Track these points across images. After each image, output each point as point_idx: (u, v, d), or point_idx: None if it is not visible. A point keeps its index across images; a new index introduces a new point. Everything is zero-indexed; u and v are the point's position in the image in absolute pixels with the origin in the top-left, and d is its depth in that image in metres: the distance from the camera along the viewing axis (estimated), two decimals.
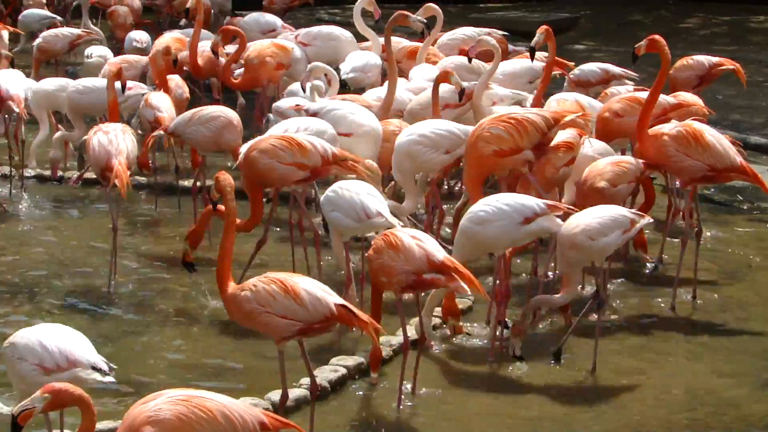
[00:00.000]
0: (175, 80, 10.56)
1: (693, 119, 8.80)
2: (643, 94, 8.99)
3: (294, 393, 6.64)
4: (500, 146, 8.03)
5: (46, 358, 5.55)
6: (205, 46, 11.49)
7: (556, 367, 7.39)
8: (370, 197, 7.46)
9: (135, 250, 9.45)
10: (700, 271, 8.78)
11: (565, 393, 7.14)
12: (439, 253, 6.68)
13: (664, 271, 9.07)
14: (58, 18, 14.87)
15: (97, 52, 12.42)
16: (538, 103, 9.29)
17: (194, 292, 8.52)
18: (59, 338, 5.63)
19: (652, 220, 7.73)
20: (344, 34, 11.90)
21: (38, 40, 12.83)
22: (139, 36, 13.12)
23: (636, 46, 8.76)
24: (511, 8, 20.83)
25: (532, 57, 9.52)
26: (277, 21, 13.17)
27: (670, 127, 8.41)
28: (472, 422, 6.79)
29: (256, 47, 11.23)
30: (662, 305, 8.49)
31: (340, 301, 6.13)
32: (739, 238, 10.05)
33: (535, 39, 9.42)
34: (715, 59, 10.76)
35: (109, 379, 5.67)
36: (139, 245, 9.58)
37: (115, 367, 5.75)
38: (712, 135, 8.32)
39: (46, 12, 14.94)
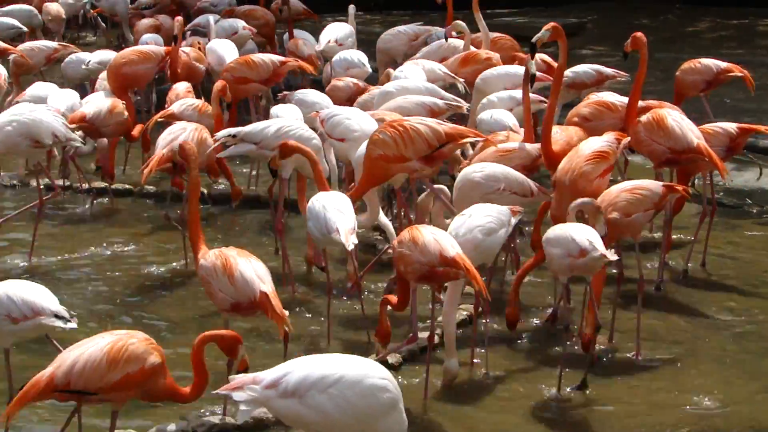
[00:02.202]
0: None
1: (669, 106, 9.32)
2: (610, 97, 9.53)
3: None
4: (385, 151, 8.10)
5: (12, 308, 6.22)
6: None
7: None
8: (337, 213, 7.53)
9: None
10: (711, 275, 8.78)
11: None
12: (452, 250, 6.89)
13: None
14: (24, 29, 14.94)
15: (97, 58, 12.46)
16: (552, 109, 8.80)
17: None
18: (24, 291, 6.30)
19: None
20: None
21: (14, 55, 12.77)
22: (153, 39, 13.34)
23: (624, 44, 9.26)
24: (518, 13, 20.82)
25: (533, 54, 9.01)
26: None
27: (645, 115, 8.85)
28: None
29: None
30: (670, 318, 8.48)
31: (267, 289, 6.63)
32: (747, 241, 10.03)
33: (539, 35, 8.78)
34: (723, 65, 10.65)
35: (71, 325, 6.27)
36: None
37: (74, 314, 6.34)
38: (675, 120, 8.69)
39: (13, 21, 14.95)
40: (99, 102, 10.59)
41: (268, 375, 5.14)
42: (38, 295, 6.32)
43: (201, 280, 6.93)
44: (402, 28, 13.12)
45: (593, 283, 7.33)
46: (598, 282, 7.48)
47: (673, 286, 8.92)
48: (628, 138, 8.28)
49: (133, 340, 5.70)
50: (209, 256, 6.88)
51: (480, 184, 8.11)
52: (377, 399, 5.10)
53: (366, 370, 5.14)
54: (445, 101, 9.80)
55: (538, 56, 9.88)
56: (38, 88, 11.31)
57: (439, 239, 6.94)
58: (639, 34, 9.27)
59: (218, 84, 9.81)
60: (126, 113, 10.50)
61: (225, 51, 12.36)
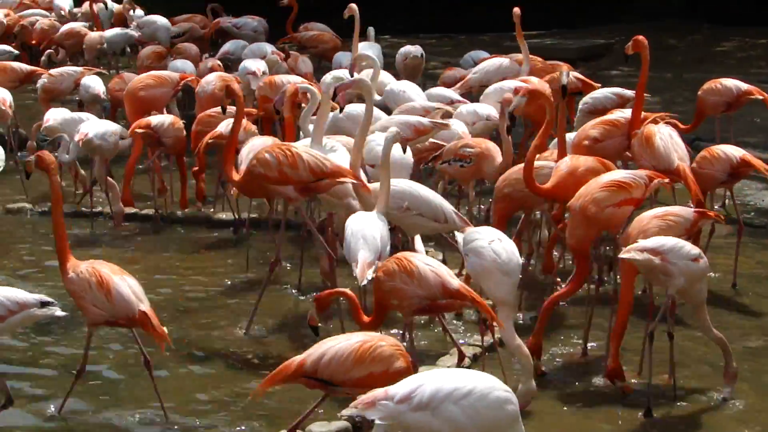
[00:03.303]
0: None
1: (666, 122, 9.31)
2: (616, 115, 9.49)
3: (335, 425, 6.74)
4: (266, 171, 8.19)
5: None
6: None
7: None
8: (360, 242, 7.38)
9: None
10: (739, 296, 8.75)
11: None
12: (454, 281, 6.79)
13: None
14: None
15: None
16: (538, 149, 8.35)
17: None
18: (2, 290, 6.73)
19: None
20: None
21: (42, 80, 12.89)
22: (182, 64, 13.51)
23: (625, 47, 9.41)
24: (546, 35, 20.83)
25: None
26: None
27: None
28: None
29: None
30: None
31: (146, 308, 6.81)
32: None
33: (514, 103, 8.54)
34: (744, 87, 10.69)
35: (59, 312, 6.73)
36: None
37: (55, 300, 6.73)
38: (662, 138, 8.78)
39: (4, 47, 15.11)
40: (164, 114, 10.94)
41: (399, 389, 5.20)
42: (16, 291, 6.74)
43: (70, 293, 6.98)
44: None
45: (620, 311, 7.30)
46: (624, 311, 7.39)
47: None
48: (663, 180, 8.10)
49: (382, 343, 5.92)
50: (80, 269, 6.93)
51: None
52: (504, 411, 5.20)
53: (492, 383, 5.23)
54: (431, 120, 9.78)
55: (573, 74, 9.89)
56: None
57: (437, 269, 6.78)
58: (640, 37, 9.31)
59: (290, 88, 9.47)
60: (184, 131, 10.72)
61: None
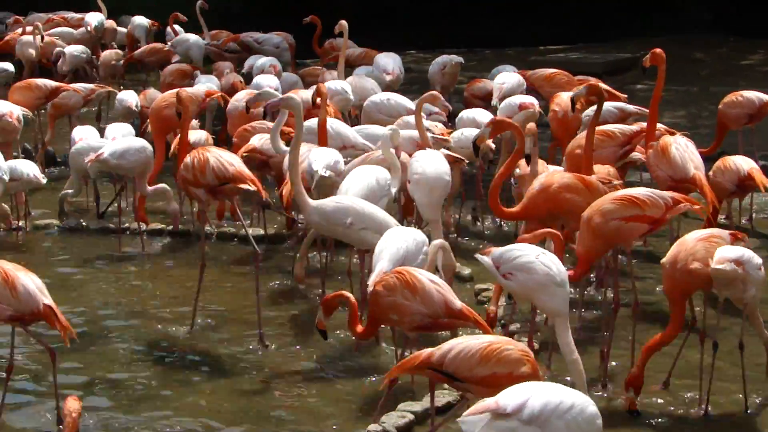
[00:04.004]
0: None
1: (682, 134, 9.48)
2: (610, 127, 9.70)
3: None
4: (185, 174, 8.70)
5: None
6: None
7: None
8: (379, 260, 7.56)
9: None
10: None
11: None
12: (457, 301, 6.81)
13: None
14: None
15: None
16: (503, 177, 8.30)
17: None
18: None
19: None
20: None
21: (65, 92, 13.07)
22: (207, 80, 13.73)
23: (643, 59, 9.67)
24: (571, 49, 20.83)
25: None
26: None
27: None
28: None
29: None
30: None
31: (50, 301, 6.88)
32: None
33: (479, 133, 8.36)
34: (766, 98, 10.72)
35: None
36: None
37: None
38: (678, 148, 8.97)
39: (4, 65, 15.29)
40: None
41: (508, 401, 5.25)
42: None
43: None
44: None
45: (669, 332, 7.26)
46: (673, 333, 7.31)
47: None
48: (693, 206, 7.94)
49: (510, 347, 5.98)
50: None
51: (328, 215, 8.19)
52: (597, 425, 5.33)
53: (585, 398, 5.35)
54: (433, 135, 10.05)
55: (603, 86, 9.94)
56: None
57: (441, 288, 6.81)
58: (658, 50, 9.57)
59: (319, 87, 9.94)
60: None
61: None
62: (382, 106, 11.60)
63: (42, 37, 16.12)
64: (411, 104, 11.47)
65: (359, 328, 6.93)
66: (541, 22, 22.12)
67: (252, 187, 8.51)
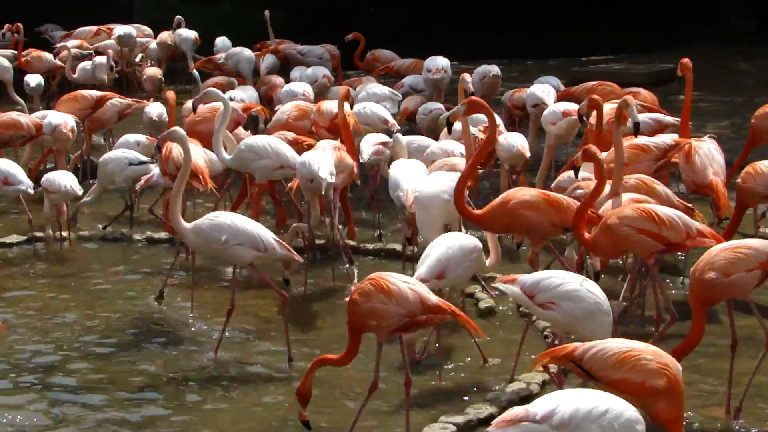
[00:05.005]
0: None
1: (709, 137, 9.82)
2: (645, 140, 9.65)
3: None
4: (163, 165, 9.99)
5: None
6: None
7: None
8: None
9: None
10: None
11: None
12: (432, 295, 6.86)
13: None
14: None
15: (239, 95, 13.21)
16: (465, 180, 8.35)
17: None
18: None
19: None
20: None
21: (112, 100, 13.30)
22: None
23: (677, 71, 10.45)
24: (613, 60, 20.73)
25: (450, 128, 9.96)
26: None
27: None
28: None
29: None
30: None
31: None
32: None
33: (454, 110, 8.67)
34: None
35: None
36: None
37: None
38: (701, 153, 9.39)
39: None
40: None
41: (538, 408, 5.29)
42: None
43: None
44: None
45: (689, 343, 7.17)
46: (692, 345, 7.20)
47: None
48: (711, 243, 7.67)
49: (650, 357, 5.92)
50: None
51: (204, 234, 8.23)
52: (637, 431, 5.32)
53: (622, 404, 5.35)
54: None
55: (633, 100, 9.90)
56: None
57: (414, 286, 6.86)
58: (685, 60, 10.36)
59: (343, 89, 10.08)
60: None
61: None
62: (360, 116, 11.68)
63: (116, 63, 16.40)
64: (386, 113, 11.86)
65: (335, 356, 6.97)
66: (584, 33, 22.07)
67: (201, 186, 9.66)
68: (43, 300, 9.82)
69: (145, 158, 11.13)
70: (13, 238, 11.37)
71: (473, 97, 8.84)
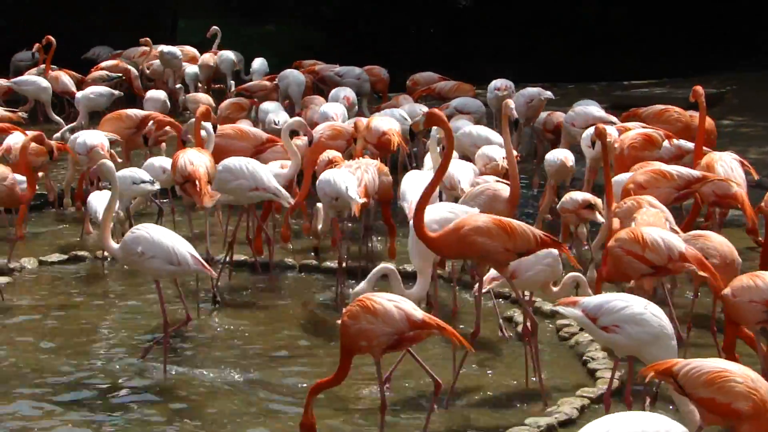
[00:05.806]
0: None
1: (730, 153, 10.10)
2: (670, 168, 9.60)
3: None
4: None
5: None
6: None
7: None
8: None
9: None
10: None
11: None
12: (417, 312, 6.89)
13: None
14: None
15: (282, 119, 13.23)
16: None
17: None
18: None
19: None
20: None
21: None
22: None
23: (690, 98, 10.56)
24: (655, 84, 20.66)
25: (413, 138, 10.70)
26: None
27: None
28: None
29: None
30: None
31: None
32: None
33: (416, 119, 8.38)
34: None
35: None
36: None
37: None
38: (723, 165, 9.72)
39: None
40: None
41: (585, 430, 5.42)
42: None
43: None
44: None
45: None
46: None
47: None
48: (693, 269, 7.74)
49: (740, 379, 5.93)
50: None
51: (127, 246, 8.35)
52: None
53: (672, 425, 5.45)
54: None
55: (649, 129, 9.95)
56: None
57: (399, 304, 6.90)
58: (697, 87, 10.48)
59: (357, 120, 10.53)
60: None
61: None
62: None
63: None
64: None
65: (325, 379, 7.00)
66: (626, 57, 22.02)
67: (197, 195, 9.60)
68: (84, 316, 9.87)
69: (148, 177, 11.09)
70: (55, 257, 11.42)
71: (432, 110, 8.42)
